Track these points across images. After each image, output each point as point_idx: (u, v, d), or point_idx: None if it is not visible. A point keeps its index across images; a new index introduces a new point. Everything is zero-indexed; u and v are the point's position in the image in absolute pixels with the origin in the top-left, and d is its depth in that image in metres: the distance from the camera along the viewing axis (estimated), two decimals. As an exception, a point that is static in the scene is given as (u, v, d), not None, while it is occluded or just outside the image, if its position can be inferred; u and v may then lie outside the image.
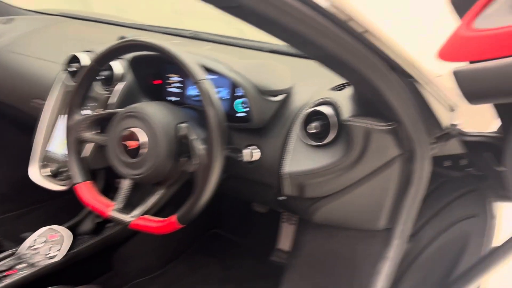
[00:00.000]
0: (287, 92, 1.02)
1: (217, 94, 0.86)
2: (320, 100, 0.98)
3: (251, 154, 1.01)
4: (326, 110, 0.94)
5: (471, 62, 0.64)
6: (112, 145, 0.96)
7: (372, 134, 0.87)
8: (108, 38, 1.29)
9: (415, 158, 0.87)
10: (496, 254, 1.00)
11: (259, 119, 0.99)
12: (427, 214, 1.13)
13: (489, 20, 0.63)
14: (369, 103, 0.87)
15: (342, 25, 0.65)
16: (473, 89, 0.62)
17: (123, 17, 2.00)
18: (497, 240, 1.09)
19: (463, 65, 0.65)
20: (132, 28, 1.72)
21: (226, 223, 1.87)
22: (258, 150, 1.02)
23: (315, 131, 0.93)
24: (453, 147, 1.03)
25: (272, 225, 1.69)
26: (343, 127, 0.91)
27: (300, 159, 0.96)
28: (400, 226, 0.93)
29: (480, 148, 0.97)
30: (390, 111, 0.81)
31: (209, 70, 0.99)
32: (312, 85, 1.06)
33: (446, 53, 0.67)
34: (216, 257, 1.74)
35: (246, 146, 1.03)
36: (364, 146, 0.89)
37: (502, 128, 0.82)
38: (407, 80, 0.81)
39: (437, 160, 1.15)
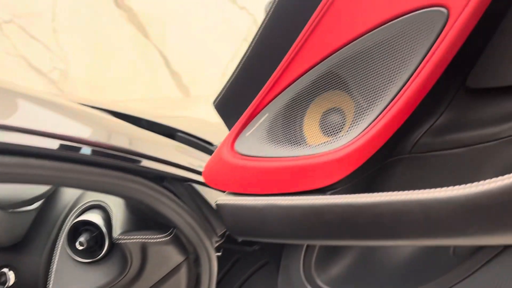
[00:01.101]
0: (46, 196, 0.83)
1: None
2: (90, 204, 0.83)
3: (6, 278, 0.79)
4: (97, 218, 0.79)
5: (236, 193, 0.59)
6: None
7: (150, 248, 0.76)
8: None
9: (200, 261, 0.81)
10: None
11: (8, 236, 0.78)
12: (224, 298, 1.08)
13: (249, 144, 0.59)
14: (143, 212, 0.77)
15: (85, 160, 0.54)
16: (236, 225, 0.57)
17: None
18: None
19: (227, 196, 0.59)
20: None
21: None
22: (12, 272, 0.81)
23: (82, 248, 0.77)
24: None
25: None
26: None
27: (68, 281, 0.79)
28: None
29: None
30: (166, 220, 0.72)
31: None
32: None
33: (210, 176, 0.61)
34: None
35: (-3, 268, 0.80)
36: (143, 261, 0.77)
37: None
38: (184, 184, 0.74)
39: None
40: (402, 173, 0.55)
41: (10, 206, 0.76)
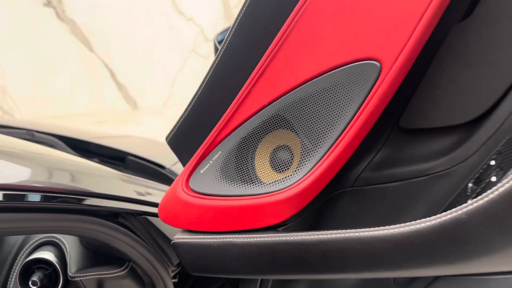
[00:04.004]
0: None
1: None
2: (42, 240, 0.81)
3: None
4: (50, 256, 0.78)
5: (191, 231, 0.61)
6: None
7: (106, 283, 0.76)
8: None
9: None
10: None
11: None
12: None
13: (203, 182, 0.61)
14: (98, 247, 0.77)
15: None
16: (193, 263, 0.60)
17: None
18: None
19: (182, 233, 0.62)
20: None
21: None
22: (-38, 318, 0.78)
23: (35, 287, 0.76)
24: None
25: None
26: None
27: (22, 322, 0.77)
28: None
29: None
30: (121, 254, 0.73)
31: None
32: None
33: (165, 213, 0.63)
34: None
35: None
36: (100, 296, 0.77)
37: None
38: (139, 218, 0.75)
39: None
40: (346, 205, 0.60)
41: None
